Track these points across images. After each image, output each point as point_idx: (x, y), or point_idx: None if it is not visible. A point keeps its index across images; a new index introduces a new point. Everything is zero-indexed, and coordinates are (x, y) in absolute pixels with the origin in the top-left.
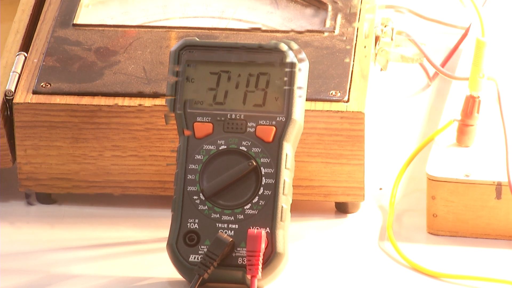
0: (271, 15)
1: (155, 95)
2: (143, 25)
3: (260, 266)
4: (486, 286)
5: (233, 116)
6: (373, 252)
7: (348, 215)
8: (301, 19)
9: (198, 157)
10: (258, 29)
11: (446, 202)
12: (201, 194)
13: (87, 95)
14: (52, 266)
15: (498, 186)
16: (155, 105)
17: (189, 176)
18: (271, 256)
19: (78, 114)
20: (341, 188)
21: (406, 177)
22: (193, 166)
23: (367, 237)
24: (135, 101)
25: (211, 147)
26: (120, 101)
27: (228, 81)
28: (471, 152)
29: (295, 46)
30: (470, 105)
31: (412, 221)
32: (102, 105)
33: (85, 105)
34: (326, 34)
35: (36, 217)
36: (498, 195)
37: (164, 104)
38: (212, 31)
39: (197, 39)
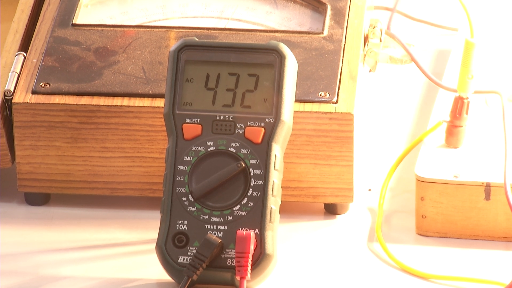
0: (270, 15)
1: (154, 95)
2: (142, 25)
3: (249, 268)
4: (474, 287)
5: (222, 118)
6: (362, 253)
7: (337, 216)
8: (300, 19)
9: (187, 158)
10: (250, 30)
11: (435, 203)
12: (190, 195)
13: (86, 95)
14: (41, 268)
15: (487, 187)
16: (154, 105)
17: (178, 178)
18: (260, 257)
19: (77, 114)
20: (330, 189)
21: (395, 178)
22: (182, 168)
23: (356, 238)
24: (134, 101)
25: (200, 149)
26: (119, 101)
27: (217, 82)
28: (460, 153)
29: (284, 47)
30: (459, 106)
31: (401, 222)
32: (101, 105)
33: (84, 105)
34: (314, 35)
35: (25, 219)
36: (487, 196)
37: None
38: (211, 31)
39: (196, 39)
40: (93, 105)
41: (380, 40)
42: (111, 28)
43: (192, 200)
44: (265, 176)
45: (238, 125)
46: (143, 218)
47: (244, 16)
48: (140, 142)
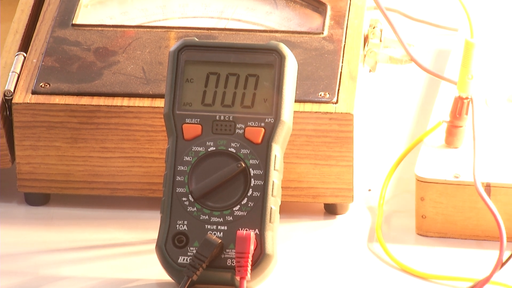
0: (270, 15)
1: (154, 96)
2: (142, 25)
3: (249, 268)
4: None
5: (222, 118)
6: (362, 253)
7: (337, 216)
8: (300, 19)
9: (187, 158)
10: (251, 30)
11: (435, 203)
12: (190, 195)
13: (86, 95)
14: (41, 268)
15: (487, 187)
16: (154, 105)
17: (178, 178)
18: (260, 257)
19: (77, 114)
20: (330, 189)
21: (395, 178)
22: (182, 168)
23: (356, 239)
24: (134, 102)
25: (200, 149)
26: (119, 101)
27: (217, 83)
28: (460, 153)
29: (284, 47)
30: (459, 107)
31: (401, 222)
32: (101, 105)
33: (84, 105)
34: (314, 35)
35: (25, 219)
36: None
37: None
38: (211, 31)
39: (196, 39)
40: (93, 105)
41: (380, 40)
42: (111, 28)
43: (192, 200)
44: (265, 176)
45: (238, 125)
46: (143, 218)
47: (244, 16)
48: (140, 142)
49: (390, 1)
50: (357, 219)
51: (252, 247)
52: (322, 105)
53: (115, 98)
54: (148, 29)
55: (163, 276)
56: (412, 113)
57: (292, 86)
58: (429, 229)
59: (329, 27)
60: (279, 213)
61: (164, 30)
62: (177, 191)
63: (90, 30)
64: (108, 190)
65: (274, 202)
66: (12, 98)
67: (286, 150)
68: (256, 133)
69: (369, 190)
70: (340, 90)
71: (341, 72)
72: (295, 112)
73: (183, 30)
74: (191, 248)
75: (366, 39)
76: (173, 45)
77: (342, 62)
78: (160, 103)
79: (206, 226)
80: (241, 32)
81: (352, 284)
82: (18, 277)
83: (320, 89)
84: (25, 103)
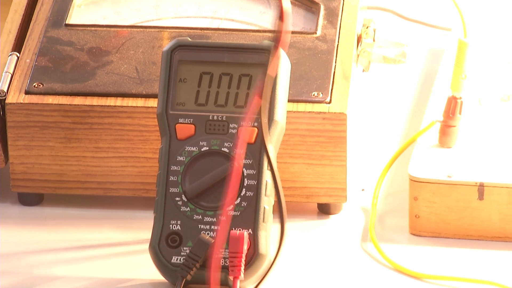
0: (263, 15)
1: (147, 95)
2: (136, 25)
3: (242, 268)
4: (468, 287)
5: (215, 118)
6: (356, 253)
7: (330, 216)
8: (293, 19)
9: (180, 158)
10: (246, 30)
11: (428, 203)
12: (183, 195)
13: (79, 95)
14: (35, 268)
15: (481, 187)
16: (147, 105)
17: (171, 178)
18: (253, 257)
19: (71, 114)
20: (323, 189)
21: (389, 178)
22: (175, 168)
23: (349, 238)
24: (127, 101)
25: (193, 149)
26: (112, 101)
27: (210, 82)
28: (453, 153)
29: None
30: (452, 106)
31: (394, 222)
32: (95, 105)
33: (78, 105)
34: (308, 35)
35: (19, 219)
36: (481, 196)
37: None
38: (205, 31)
39: (190, 39)
40: (86, 105)
41: (373, 40)
42: (105, 28)
43: (186, 200)
44: (258, 176)
45: (231, 125)
46: (137, 218)
47: (237, 16)
48: (134, 142)
49: (384, 1)
50: (351, 219)
51: (245, 247)
52: (316, 105)
53: (109, 98)
54: (141, 29)
55: (157, 276)
56: (406, 113)
57: (285, 86)
58: (423, 229)
59: (322, 27)
60: (273, 212)
61: (157, 30)
62: (170, 191)
63: (83, 30)
64: (101, 190)
65: (267, 201)
66: (5, 98)
67: (280, 150)
68: (250, 133)
69: (363, 189)
70: (333, 90)
71: (334, 72)
72: (288, 112)
73: (177, 30)
74: (184, 248)
75: (359, 39)
76: (167, 45)
77: (336, 62)
78: (153, 103)
79: (200, 226)
80: (234, 32)
81: (345, 284)
82: (12, 277)
83: (314, 89)
84: (18, 103)
